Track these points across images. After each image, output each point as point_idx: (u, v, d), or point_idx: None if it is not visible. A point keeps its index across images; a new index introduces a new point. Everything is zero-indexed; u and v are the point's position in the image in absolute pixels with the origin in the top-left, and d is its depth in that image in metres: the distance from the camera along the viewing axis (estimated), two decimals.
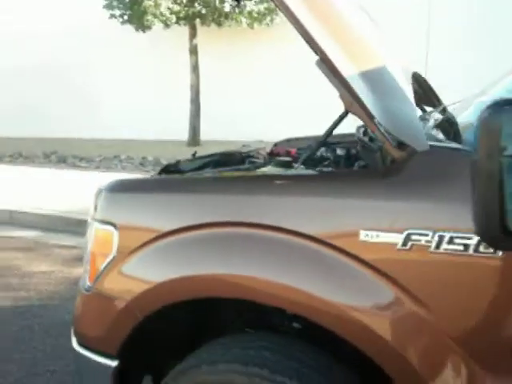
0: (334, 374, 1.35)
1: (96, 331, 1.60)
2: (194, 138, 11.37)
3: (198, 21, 10.85)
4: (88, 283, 1.64)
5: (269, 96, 11.19)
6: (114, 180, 1.67)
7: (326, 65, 1.33)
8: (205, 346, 1.47)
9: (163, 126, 11.84)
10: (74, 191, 6.61)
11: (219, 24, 10.74)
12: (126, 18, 10.92)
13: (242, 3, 9.91)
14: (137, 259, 1.49)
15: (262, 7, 10.40)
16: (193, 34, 11.20)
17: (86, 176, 7.99)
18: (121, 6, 10.85)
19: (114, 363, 1.56)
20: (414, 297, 1.16)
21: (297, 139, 2.68)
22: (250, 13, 10.46)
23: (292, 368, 1.32)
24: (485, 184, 0.89)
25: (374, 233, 1.16)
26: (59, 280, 3.90)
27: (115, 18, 11.03)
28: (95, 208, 1.66)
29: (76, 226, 5.05)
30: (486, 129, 0.80)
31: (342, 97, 1.53)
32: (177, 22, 10.65)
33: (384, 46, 2.20)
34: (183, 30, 11.10)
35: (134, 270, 1.50)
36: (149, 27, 10.65)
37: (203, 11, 10.45)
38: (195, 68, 11.38)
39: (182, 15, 10.39)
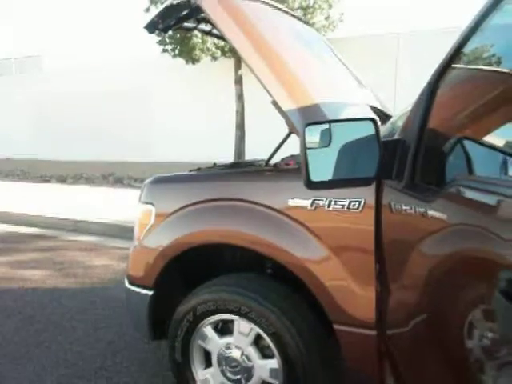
0: (287, 297, 2.18)
1: (140, 272, 2.50)
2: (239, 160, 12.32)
3: None
4: (136, 242, 2.55)
5: None
6: (152, 176, 2.60)
7: (275, 104, 2.18)
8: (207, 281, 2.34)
9: (211, 149, 12.82)
10: (128, 205, 7.61)
11: None
12: (176, 52, 12.05)
13: None
14: (165, 224, 2.38)
15: None
16: (238, 65, 12.20)
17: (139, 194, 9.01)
18: (172, 41, 12.00)
19: (150, 292, 2.46)
20: (317, 235, 1.98)
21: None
22: None
23: (259, 290, 2.17)
24: (303, 158, 1.65)
25: (296, 200, 2.01)
26: (115, 270, 4.83)
27: (167, 52, 12.19)
28: (141, 195, 2.58)
29: (130, 232, 5.97)
30: (302, 133, 1.60)
31: (286, 123, 2.32)
32: (223, 55, 11.68)
33: (340, 79, 2.95)
34: (229, 62, 12.14)
35: (163, 231, 2.39)
36: (197, 60, 11.72)
37: None
38: (240, 96, 12.35)
39: (226, 49, 11.42)
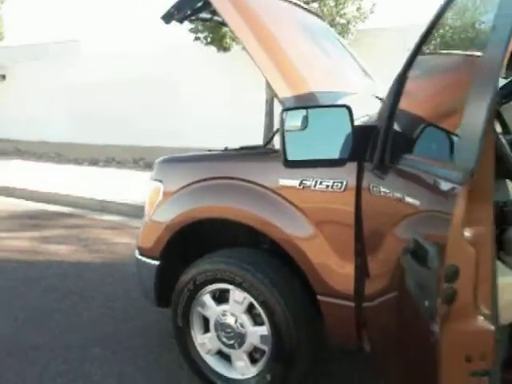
0: (277, 270, 2.36)
1: (148, 244, 2.71)
2: None
3: None
4: (146, 218, 2.77)
5: None
6: (163, 157, 2.81)
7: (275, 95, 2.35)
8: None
9: (240, 136, 12.98)
10: None
11: None
12: (208, 40, 12.24)
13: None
14: (171, 200, 2.59)
15: None
16: None
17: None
18: (204, 29, 12.19)
19: (157, 263, 2.67)
20: (304, 213, 2.16)
21: None
22: None
23: (252, 262, 2.36)
24: (281, 140, 1.82)
25: (286, 179, 2.19)
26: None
27: (199, 40, 12.39)
28: (152, 173, 2.79)
29: None
30: (281, 117, 1.77)
31: None
32: None
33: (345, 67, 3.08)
34: None
35: (169, 206, 2.60)
36: (228, 49, 11.89)
37: None
38: (269, 85, 12.46)
39: None
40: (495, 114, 2.05)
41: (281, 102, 2.26)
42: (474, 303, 1.09)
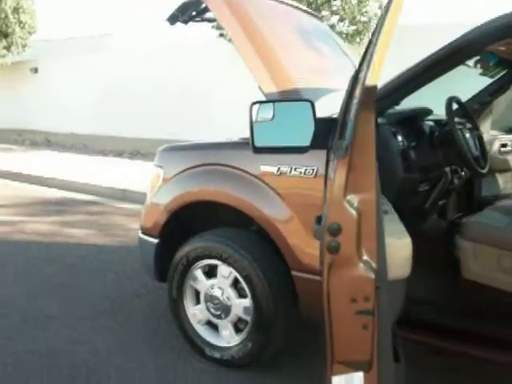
0: (260, 248, 2.62)
1: (149, 223, 3.00)
2: None
3: None
4: (148, 201, 3.06)
5: None
6: (165, 145, 3.09)
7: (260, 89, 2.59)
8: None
9: None
10: None
11: None
12: None
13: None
14: (170, 184, 2.87)
15: (350, 29, 11.53)
16: None
17: None
18: None
19: (156, 240, 2.96)
20: (281, 196, 2.41)
21: None
22: (339, 33, 11.64)
23: (238, 240, 2.62)
24: (250, 129, 2.02)
25: (266, 166, 2.44)
26: None
27: (223, 36, 12.66)
28: (155, 160, 3.08)
29: None
30: (250, 109, 2.02)
31: None
32: None
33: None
34: None
35: (167, 190, 2.88)
36: None
37: None
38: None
39: None
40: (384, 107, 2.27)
41: (265, 96, 2.51)
42: (357, 255, 1.34)
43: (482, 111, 3.74)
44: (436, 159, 2.60)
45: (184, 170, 2.80)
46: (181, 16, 3.19)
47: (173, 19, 3.23)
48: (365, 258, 1.35)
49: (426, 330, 2.23)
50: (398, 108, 2.54)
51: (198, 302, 2.83)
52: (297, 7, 3.45)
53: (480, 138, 2.92)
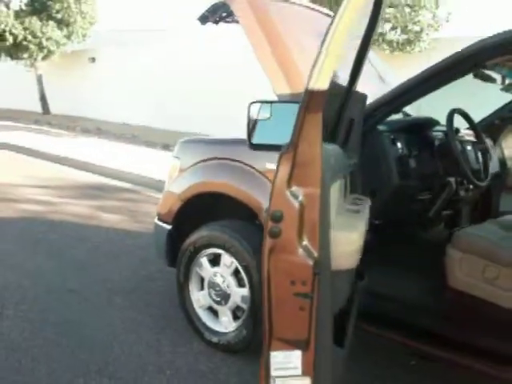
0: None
1: (164, 210, 3.19)
2: None
3: None
4: (165, 189, 3.24)
5: None
6: (185, 138, 3.27)
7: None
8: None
9: None
10: None
11: None
12: None
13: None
14: (185, 174, 3.04)
15: (401, 38, 11.48)
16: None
17: None
18: None
19: (169, 227, 3.14)
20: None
21: None
22: (390, 42, 11.60)
23: (241, 232, 2.77)
24: (247, 127, 2.16)
25: (271, 164, 2.57)
26: None
27: None
28: (174, 151, 3.26)
29: None
30: (248, 108, 2.14)
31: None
32: None
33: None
34: None
35: (183, 180, 3.05)
36: None
37: None
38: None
39: None
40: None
41: (277, 96, 2.64)
42: (297, 241, 1.46)
43: (504, 127, 3.76)
44: (436, 169, 2.68)
45: (198, 162, 2.97)
46: (211, 16, 3.35)
47: (203, 19, 3.39)
48: (305, 245, 1.47)
49: (407, 332, 2.31)
50: (402, 116, 2.62)
51: (202, 287, 2.98)
52: (325, 13, 3.55)
53: (484, 152, 2.97)
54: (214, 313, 2.95)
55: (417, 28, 11.52)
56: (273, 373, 1.52)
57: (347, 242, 1.62)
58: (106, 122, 16.72)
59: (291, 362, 1.50)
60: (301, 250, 1.47)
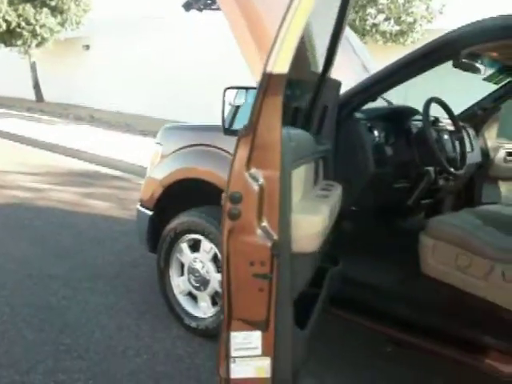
0: None
1: (146, 196, 3.19)
2: None
3: None
4: (147, 175, 3.25)
5: None
6: (167, 124, 3.27)
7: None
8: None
9: None
10: None
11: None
12: None
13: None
14: (166, 160, 3.05)
15: (394, 29, 11.47)
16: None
17: None
18: None
19: (150, 213, 3.15)
20: None
21: None
22: (383, 32, 11.59)
23: (219, 218, 2.77)
24: (222, 113, 2.17)
25: None
26: None
27: None
28: (156, 137, 3.26)
29: None
30: (223, 94, 2.15)
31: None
32: None
33: None
34: None
35: (164, 166, 3.06)
36: None
37: None
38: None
39: None
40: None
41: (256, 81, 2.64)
42: (256, 223, 1.47)
43: (488, 117, 3.77)
44: (412, 157, 2.69)
45: (180, 149, 2.97)
46: (195, 3, 3.36)
47: (188, 6, 3.40)
48: (264, 226, 1.49)
49: (380, 318, 2.34)
50: (381, 105, 2.63)
51: (182, 273, 3.00)
52: None
53: (461, 141, 2.98)
54: (194, 298, 2.97)
55: (410, 19, 11.50)
56: (233, 353, 1.54)
57: (309, 224, 1.63)
58: (100, 110, 16.68)
59: (251, 342, 1.52)
60: (260, 232, 1.49)
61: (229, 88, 2.13)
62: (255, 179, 1.48)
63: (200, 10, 3.43)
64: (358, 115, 2.51)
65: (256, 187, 1.47)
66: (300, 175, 1.80)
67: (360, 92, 2.39)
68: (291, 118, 2.19)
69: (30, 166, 7.55)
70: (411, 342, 2.29)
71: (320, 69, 2.29)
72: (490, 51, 2.74)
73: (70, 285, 3.50)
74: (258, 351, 1.52)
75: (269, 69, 1.48)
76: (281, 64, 1.46)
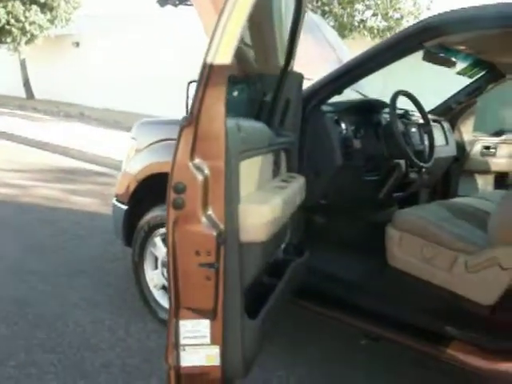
0: None
1: (121, 191, 3.21)
2: None
3: None
4: (122, 169, 3.26)
5: None
6: (142, 119, 3.29)
7: None
8: None
9: None
10: None
11: (343, 36, 12.02)
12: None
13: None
14: (140, 155, 3.06)
15: (381, 25, 11.51)
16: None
17: None
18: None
19: (125, 207, 3.16)
20: None
21: None
22: (371, 28, 11.63)
23: None
24: (186, 108, 2.18)
25: None
26: None
27: None
28: (131, 132, 3.28)
29: None
30: (187, 88, 2.20)
31: None
32: None
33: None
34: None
35: (138, 160, 3.07)
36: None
37: (331, 24, 11.82)
38: None
39: None
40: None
41: None
42: (201, 212, 1.49)
43: (463, 111, 3.80)
44: (381, 150, 2.71)
45: (153, 143, 2.99)
46: None
47: (163, 2, 3.41)
48: (209, 215, 1.51)
49: (348, 310, 2.36)
50: (348, 98, 2.65)
51: (156, 267, 3.02)
52: None
53: (430, 133, 3.01)
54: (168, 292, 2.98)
55: (397, 15, 11.56)
56: (182, 341, 1.56)
57: (257, 214, 1.65)
58: (89, 107, 16.64)
59: (200, 330, 1.55)
60: (205, 221, 1.51)
61: (192, 81, 2.14)
62: (199, 169, 1.50)
63: (175, 5, 3.44)
64: (325, 108, 2.53)
65: (200, 177, 1.49)
66: (253, 166, 1.82)
67: (326, 85, 2.41)
68: (256, 111, 2.21)
69: (18, 164, 7.54)
70: (378, 334, 2.31)
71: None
72: (459, 44, 2.77)
73: (49, 280, 3.51)
74: (207, 340, 1.54)
75: (209, 59, 1.50)
76: (222, 54, 1.48)
